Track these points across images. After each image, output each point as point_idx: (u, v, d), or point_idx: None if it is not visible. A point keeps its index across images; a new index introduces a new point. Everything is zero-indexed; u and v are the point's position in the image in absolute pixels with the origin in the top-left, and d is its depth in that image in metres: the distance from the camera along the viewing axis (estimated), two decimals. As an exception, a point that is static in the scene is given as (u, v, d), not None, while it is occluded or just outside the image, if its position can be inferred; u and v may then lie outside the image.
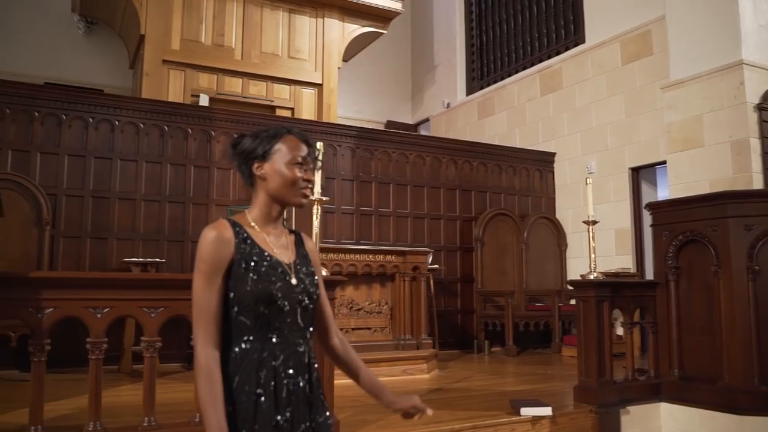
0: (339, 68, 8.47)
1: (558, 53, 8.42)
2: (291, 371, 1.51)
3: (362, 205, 7.05)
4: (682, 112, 5.93)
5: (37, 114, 5.60)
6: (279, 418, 1.47)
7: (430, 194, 7.48)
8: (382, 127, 10.12)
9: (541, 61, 8.69)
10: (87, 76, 8.42)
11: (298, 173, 1.58)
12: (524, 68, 8.97)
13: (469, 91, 10.09)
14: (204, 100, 7.30)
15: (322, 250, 5.15)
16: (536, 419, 3.51)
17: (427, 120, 10.98)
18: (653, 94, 6.77)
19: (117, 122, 5.91)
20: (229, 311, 1.50)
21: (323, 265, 4.96)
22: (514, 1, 9.39)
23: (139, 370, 2.98)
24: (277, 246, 1.60)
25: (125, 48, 8.63)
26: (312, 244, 1.75)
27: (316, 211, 3.29)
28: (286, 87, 8.11)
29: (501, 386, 4.73)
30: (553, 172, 8.27)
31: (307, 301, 1.57)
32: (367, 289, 5.47)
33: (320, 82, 8.24)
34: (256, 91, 7.90)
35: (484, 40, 9.98)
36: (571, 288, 4.63)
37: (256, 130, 1.65)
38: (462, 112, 10.03)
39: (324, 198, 3.34)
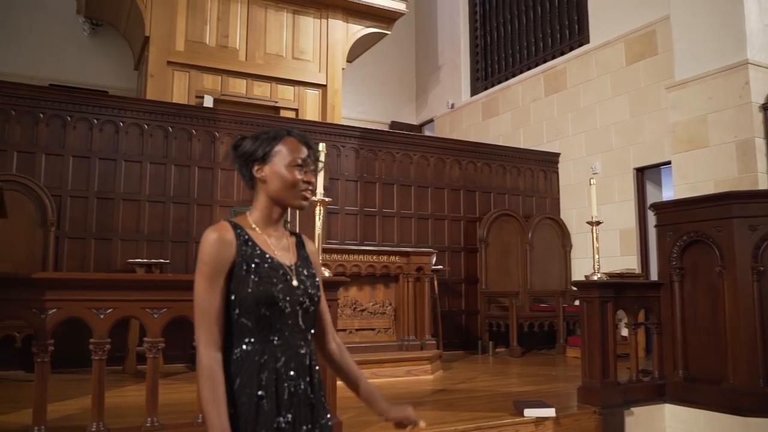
0: (343, 69, 8.48)
1: (562, 53, 8.40)
2: (292, 373, 1.51)
3: (366, 205, 7.05)
4: (686, 112, 5.91)
5: (42, 115, 5.62)
6: (280, 419, 1.47)
7: (434, 195, 7.47)
8: (386, 128, 10.12)
9: (545, 61, 8.68)
10: (92, 77, 8.46)
11: (298, 175, 1.58)
12: (528, 68, 8.96)
13: (474, 91, 10.08)
14: (208, 101, 7.32)
15: (326, 250, 5.15)
16: (540, 420, 3.51)
17: (431, 120, 10.98)
18: (658, 94, 6.75)
19: (121, 123, 5.93)
20: (231, 313, 1.50)
21: (327, 265, 4.96)
22: (519, 2, 9.38)
23: (144, 371, 2.99)
24: (278, 248, 1.60)
25: (130, 49, 8.66)
26: (313, 246, 1.75)
27: (319, 212, 3.29)
28: (290, 88, 8.12)
29: (505, 387, 4.72)
30: (557, 173, 8.25)
31: (308, 303, 1.58)
32: (371, 290, 5.47)
33: (324, 83, 8.25)
34: (261, 92, 7.92)
35: (489, 40, 9.97)
36: (575, 289, 4.61)
37: (257, 132, 1.65)
38: (466, 112, 10.02)
39: (327, 199, 3.34)
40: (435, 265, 6.29)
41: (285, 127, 1.67)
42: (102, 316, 2.69)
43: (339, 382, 3.52)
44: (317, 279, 1.66)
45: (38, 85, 6.10)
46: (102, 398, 2.71)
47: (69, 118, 5.73)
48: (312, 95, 8.23)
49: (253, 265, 1.52)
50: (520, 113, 8.90)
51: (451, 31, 10.61)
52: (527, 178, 8.13)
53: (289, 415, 1.48)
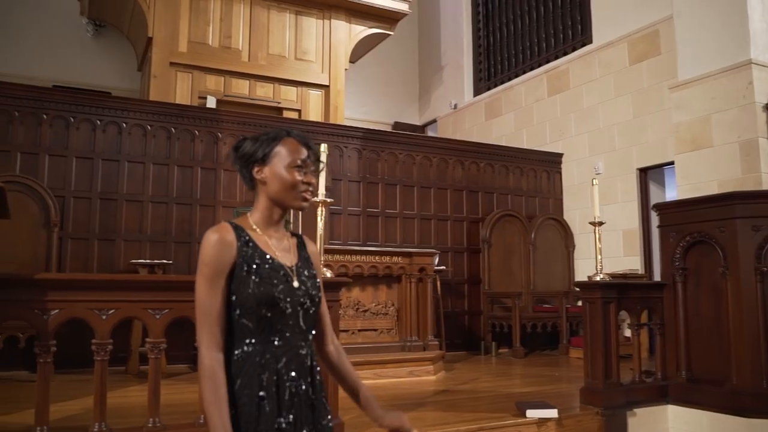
0: (346, 70, 8.48)
1: (565, 54, 8.39)
2: (293, 374, 1.51)
3: (369, 206, 7.05)
4: (690, 112, 5.89)
5: (45, 116, 5.64)
6: (281, 420, 1.47)
7: (437, 195, 7.47)
8: (389, 129, 10.12)
9: (548, 61, 8.67)
10: (96, 78, 8.48)
11: (298, 176, 1.58)
12: (531, 69, 8.95)
13: (476, 92, 10.07)
14: (211, 102, 7.33)
15: (328, 251, 5.16)
16: (542, 421, 3.50)
17: (434, 121, 10.97)
18: (661, 94, 6.74)
19: (124, 124, 5.94)
20: (232, 314, 1.51)
21: (329, 266, 4.95)
22: (521, 2, 9.37)
23: (147, 371, 2.99)
24: (279, 249, 1.61)
25: (133, 50, 8.67)
26: (314, 247, 1.75)
27: (321, 212, 3.29)
28: (293, 88, 8.13)
29: (507, 388, 4.72)
30: (560, 173, 8.24)
31: (308, 304, 1.58)
32: (374, 291, 5.47)
33: (327, 84, 8.25)
34: (263, 92, 7.93)
35: (491, 40, 9.96)
36: (578, 289, 4.61)
37: (257, 133, 1.65)
38: (469, 113, 10.01)
39: (329, 200, 3.34)
40: (438, 265, 6.28)
41: (285, 128, 1.67)
42: (104, 317, 2.70)
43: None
44: (318, 280, 1.66)
45: (41, 86, 6.11)
46: (104, 399, 2.72)
47: (72, 119, 5.74)
48: (315, 96, 8.23)
49: (253, 266, 1.52)
50: (523, 113, 8.89)
51: (454, 32, 10.60)
52: (530, 179, 8.12)
53: (290, 416, 1.48)
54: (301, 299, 1.56)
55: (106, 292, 2.74)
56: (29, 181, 5.34)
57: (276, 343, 1.50)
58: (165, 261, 5.65)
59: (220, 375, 1.46)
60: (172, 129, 6.14)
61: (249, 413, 1.45)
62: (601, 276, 4.03)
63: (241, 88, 7.78)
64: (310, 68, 8.22)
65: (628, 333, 5.68)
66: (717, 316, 3.87)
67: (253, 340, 1.49)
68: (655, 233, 6.20)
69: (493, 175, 7.89)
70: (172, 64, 7.34)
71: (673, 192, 6.49)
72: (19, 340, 4.63)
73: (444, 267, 6.93)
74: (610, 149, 7.48)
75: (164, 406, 3.07)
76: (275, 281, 1.52)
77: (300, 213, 5.88)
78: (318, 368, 1.60)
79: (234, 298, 1.50)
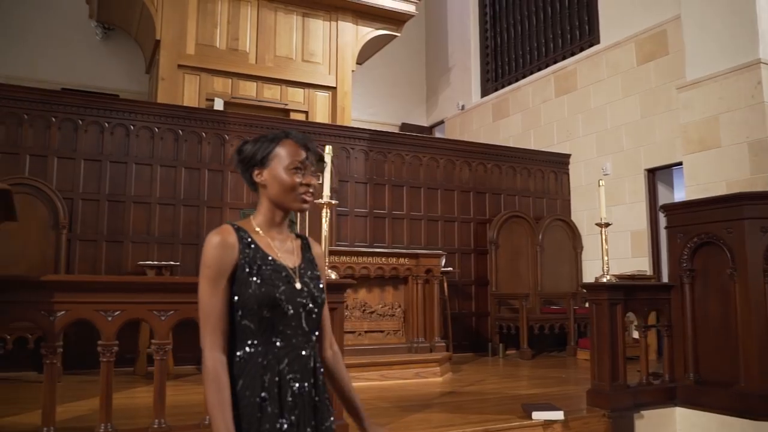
0: (353, 71, 8.49)
1: (573, 54, 8.37)
2: (295, 375, 1.51)
3: (376, 207, 7.05)
4: (698, 112, 5.85)
5: (54, 119, 5.68)
6: (283, 421, 1.47)
7: (443, 197, 7.46)
8: (396, 130, 10.13)
9: (555, 62, 8.64)
10: (104, 81, 8.54)
11: (297, 178, 1.58)
12: (539, 69, 8.93)
13: (484, 92, 10.06)
14: (219, 104, 7.36)
15: (335, 253, 5.16)
16: (548, 423, 3.48)
17: (441, 122, 10.97)
18: (669, 94, 6.70)
19: (132, 127, 5.97)
20: (234, 315, 1.51)
21: (335, 267, 4.98)
22: (529, 3, 9.35)
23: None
24: (282, 250, 1.61)
25: (141, 53, 8.73)
26: (319, 249, 1.75)
27: (326, 214, 3.30)
28: (300, 90, 8.15)
29: (514, 390, 4.70)
30: (568, 174, 8.21)
31: (311, 306, 1.58)
32: (380, 292, 5.47)
33: (334, 85, 8.27)
34: (271, 94, 7.95)
35: (499, 41, 9.95)
36: (585, 291, 4.59)
37: (258, 135, 1.66)
38: (476, 114, 10.00)
39: (333, 201, 3.35)
40: (444, 266, 6.28)
41: (284, 130, 1.67)
42: (110, 319, 2.71)
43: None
44: (322, 282, 1.65)
45: (50, 89, 6.16)
46: (110, 400, 2.73)
47: (80, 122, 5.78)
48: (322, 97, 8.25)
49: (255, 268, 1.53)
50: (530, 114, 8.87)
51: (462, 33, 10.59)
52: (538, 180, 8.09)
53: (292, 417, 1.49)
54: (304, 301, 1.56)
55: (112, 293, 2.75)
56: (38, 184, 5.38)
57: (278, 344, 1.51)
58: (172, 262, 5.67)
59: (224, 376, 1.46)
60: (180, 131, 6.17)
61: (251, 414, 1.45)
62: (608, 277, 4.01)
63: (249, 90, 7.81)
64: (317, 70, 8.24)
65: (636, 335, 5.65)
66: (725, 318, 3.84)
67: (255, 342, 1.50)
68: (663, 234, 6.18)
69: (500, 176, 7.88)
70: (179, 66, 7.38)
71: (681, 193, 6.45)
72: (28, 341, 4.66)
73: (451, 268, 6.93)
74: (617, 150, 7.44)
75: (170, 407, 3.08)
76: (277, 282, 1.53)
77: (306, 214, 5.91)
78: (321, 369, 1.60)
79: (236, 299, 1.51)
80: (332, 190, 6.43)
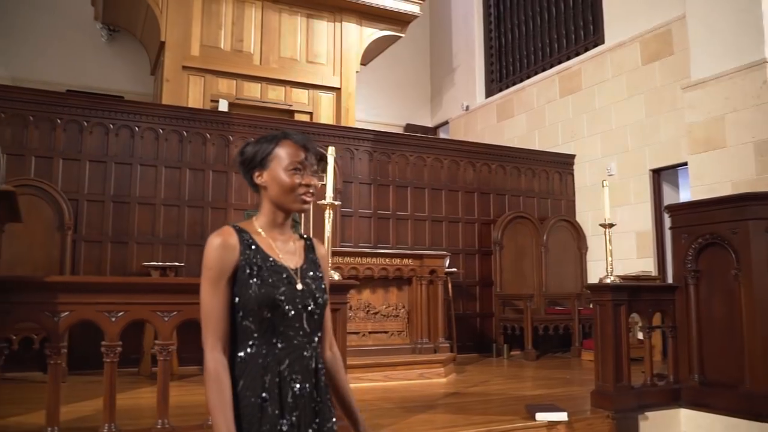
0: (357, 72, 8.50)
1: (577, 54, 8.35)
2: (297, 376, 1.51)
3: (380, 208, 7.05)
4: (703, 112, 5.83)
5: (59, 121, 5.71)
6: (284, 422, 1.47)
7: (448, 197, 7.45)
8: (401, 131, 10.13)
9: (560, 62, 8.63)
10: (110, 83, 8.57)
11: (296, 179, 1.58)
12: (543, 70, 8.92)
13: (488, 93, 10.05)
14: (223, 106, 7.38)
15: (338, 253, 5.17)
16: (552, 424, 3.48)
17: (446, 123, 10.96)
18: (674, 94, 6.68)
19: (137, 128, 6.00)
20: (235, 316, 1.52)
21: (339, 268, 4.98)
22: (533, 3, 9.34)
23: (157, 373, 3.03)
24: (284, 251, 1.61)
25: (146, 55, 8.76)
26: (323, 250, 1.74)
27: (329, 215, 3.30)
28: (305, 91, 8.16)
29: (518, 390, 4.70)
30: (572, 175, 8.20)
31: (313, 307, 1.57)
32: (384, 293, 5.47)
33: (338, 86, 8.28)
34: (275, 95, 7.96)
35: (503, 42, 9.94)
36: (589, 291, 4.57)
37: (259, 137, 1.66)
38: (481, 114, 9.99)
39: (336, 203, 3.35)
40: (449, 267, 6.28)
41: (284, 130, 1.67)
42: (113, 319, 2.72)
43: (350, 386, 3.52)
44: (324, 283, 1.65)
45: (56, 91, 6.19)
46: (113, 400, 2.74)
47: (86, 124, 5.81)
48: (326, 98, 8.26)
49: (255, 269, 1.53)
50: (534, 115, 8.86)
51: (466, 33, 10.59)
52: (542, 180, 8.08)
53: (293, 418, 1.48)
54: (305, 302, 1.56)
55: (115, 294, 2.76)
56: (43, 185, 5.41)
57: (279, 345, 1.51)
58: (177, 263, 5.69)
59: (225, 377, 1.47)
60: (184, 132, 6.19)
61: (251, 415, 1.46)
62: (612, 278, 4.00)
63: (253, 91, 7.82)
64: (321, 71, 8.25)
65: (641, 335, 5.63)
66: (730, 319, 3.82)
67: (256, 342, 1.50)
68: (669, 235, 6.15)
69: (504, 177, 7.87)
70: (184, 67, 7.40)
71: (687, 193, 6.43)
72: (33, 341, 4.68)
73: (455, 269, 6.92)
74: (622, 150, 7.42)
75: (174, 408, 3.09)
76: (277, 284, 1.53)
77: (310, 215, 5.92)
78: (323, 370, 1.60)
79: (237, 300, 1.52)
80: (336, 190, 6.45)
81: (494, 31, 10.13)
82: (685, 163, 6.24)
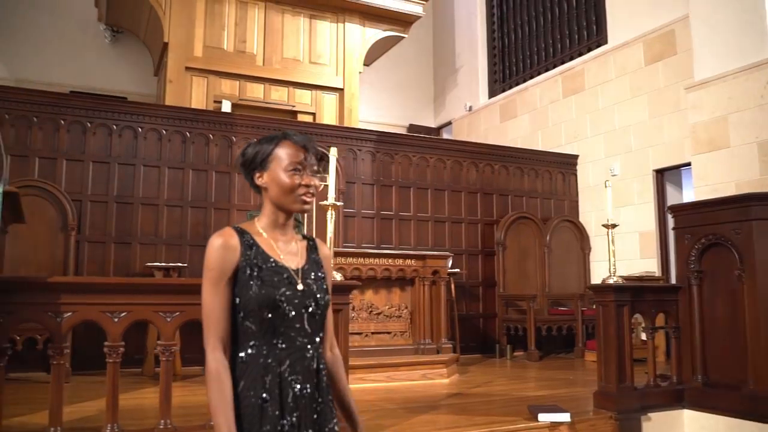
0: (360, 73, 8.50)
1: (580, 54, 8.34)
2: (297, 377, 1.51)
3: (383, 209, 7.05)
4: (707, 112, 5.82)
5: (62, 122, 5.73)
6: (284, 422, 1.47)
7: (451, 198, 7.45)
8: (404, 131, 10.13)
9: (563, 62, 8.62)
10: (113, 83, 8.60)
11: (296, 179, 1.57)
12: (546, 70, 8.91)
13: (491, 93, 10.04)
14: (226, 106, 7.39)
15: (341, 254, 5.17)
16: (554, 425, 3.47)
17: (449, 123, 10.96)
18: (677, 94, 6.67)
19: (140, 129, 6.01)
20: (237, 317, 1.52)
21: (342, 268, 4.99)
22: (536, 3, 9.33)
23: (160, 374, 3.03)
24: (285, 252, 1.61)
25: (150, 56, 8.78)
26: (326, 250, 1.74)
27: (331, 216, 3.30)
28: (308, 92, 8.16)
29: (521, 391, 4.69)
30: (576, 175, 8.18)
31: (314, 307, 1.57)
32: (387, 293, 5.47)
33: (341, 87, 8.28)
34: (278, 96, 7.97)
35: (506, 42, 9.93)
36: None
37: (260, 138, 1.66)
38: (484, 114, 9.99)
39: (338, 203, 3.35)
40: (452, 268, 6.27)
41: (284, 131, 1.67)
42: (116, 320, 2.73)
43: (353, 387, 3.52)
44: (326, 283, 1.65)
45: (59, 92, 6.21)
46: (116, 400, 2.75)
47: (89, 124, 5.83)
48: (329, 99, 8.26)
49: (256, 269, 1.53)
50: (538, 115, 8.85)
51: (469, 33, 10.58)
52: (545, 181, 8.07)
53: (294, 418, 1.48)
54: (306, 302, 1.55)
55: (118, 295, 2.77)
56: (47, 186, 5.43)
57: (280, 345, 1.51)
58: (180, 264, 5.71)
59: (226, 377, 1.47)
60: (187, 133, 6.20)
61: (252, 415, 1.46)
62: (615, 279, 3.99)
63: (256, 92, 7.83)
64: (324, 72, 8.25)
65: (644, 336, 5.61)
66: (733, 319, 3.81)
67: (257, 343, 1.50)
68: (672, 235, 6.14)
69: (507, 178, 7.86)
70: (187, 68, 7.42)
71: (690, 193, 6.41)
72: (37, 341, 4.70)
73: (458, 269, 6.92)
74: (626, 150, 7.41)
75: (177, 408, 3.10)
76: (278, 284, 1.53)
77: (313, 216, 5.91)
78: (325, 371, 1.60)
79: (237, 300, 1.52)
80: (339, 191, 6.46)
81: (497, 31, 10.13)
82: (689, 164, 6.23)
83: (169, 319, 2.82)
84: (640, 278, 6.36)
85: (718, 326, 3.90)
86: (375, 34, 8.61)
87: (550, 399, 4.21)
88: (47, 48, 8.34)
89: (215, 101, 7.49)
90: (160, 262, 5.71)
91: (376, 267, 5.30)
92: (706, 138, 5.82)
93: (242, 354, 1.51)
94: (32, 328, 4.53)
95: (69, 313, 2.67)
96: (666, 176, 7.09)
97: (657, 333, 4.34)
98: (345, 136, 6.98)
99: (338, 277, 3.34)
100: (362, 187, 6.97)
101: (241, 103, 7.64)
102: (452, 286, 6.59)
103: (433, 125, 11.30)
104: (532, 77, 9.17)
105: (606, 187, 4.33)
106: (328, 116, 8.16)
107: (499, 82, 9.99)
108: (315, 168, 1.62)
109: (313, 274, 1.62)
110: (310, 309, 1.56)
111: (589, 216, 7.90)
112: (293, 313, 1.53)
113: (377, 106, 10.44)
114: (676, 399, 3.96)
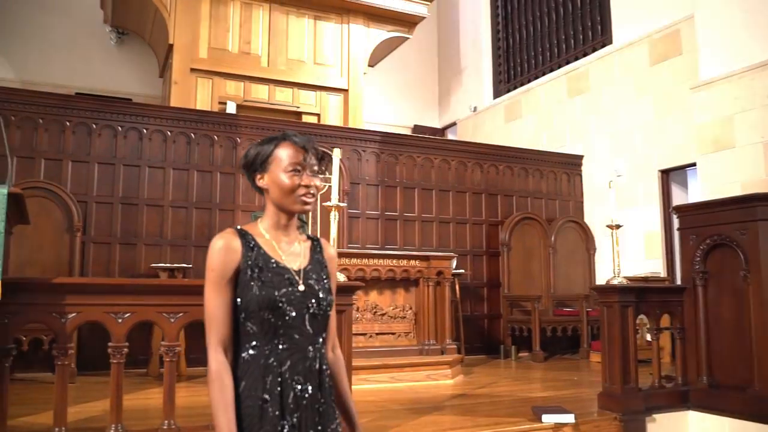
0: (365, 73, 8.51)
1: (585, 55, 8.33)
2: (298, 377, 1.51)
3: (387, 209, 7.05)
4: (712, 112, 5.80)
5: (68, 123, 5.75)
6: (284, 423, 1.47)
7: (455, 199, 7.44)
8: (409, 132, 10.13)
9: (568, 63, 8.61)
10: (119, 85, 8.63)
11: (296, 180, 1.57)
12: (551, 70, 8.89)
13: (496, 94, 10.03)
14: (231, 108, 7.41)
15: (345, 255, 5.18)
16: (558, 426, 3.46)
17: (454, 124, 10.95)
18: (682, 94, 6.64)
19: (145, 130, 6.03)
20: (238, 318, 1.53)
21: (346, 269, 4.99)
22: (541, 3, 9.32)
23: (166, 374, 3.04)
24: (288, 253, 1.61)
25: (155, 57, 8.81)
26: (331, 251, 1.73)
27: (334, 217, 3.31)
28: (312, 93, 8.18)
29: (525, 392, 4.68)
30: (581, 175, 8.16)
31: (316, 308, 1.57)
32: (391, 294, 5.47)
33: (346, 88, 8.29)
34: (283, 97, 7.99)
35: (511, 42, 9.92)
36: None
37: (261, 140, 1.67)
38: (489, 115, 9.98)
39: (341, 204, 3.35)
40: (456, 268, 6.27)
41: (284, 132, 1.67)
42: (120, 321, 2.74)
43: (357, 387, 3.52)
44: (329, 284, 1.65)
45: (65, 94, 6.24)
46: (120, 401, 2.76)
47: (94, 126, 5.85)
48: (334, 100, 8.28)
49: (256, 270, 1.53)
50: (542, 115, 8.83)
51: (474, 34, 10.58)
52: (550, 181, 8.05)
53: (294, 419, 1.48)
54: (307, 303, 1.55)
55: (122, 296, 2.78)
56: (53, 187, 5.45)
57: (281, 346, 1.51)
58: (185, 265, 5.72)
59: (227, 378, 1.48)
60: (192, 134, 6.22)
61: (252, 416, 1.46)
62: (619, 279, 3.98)
63: (261, 93, 7.85)
64: (329, 73, 8.27)
65: (650, 337, 5.59)
66: (739, 320, 3.79)
67: (258, 343, 1.51)
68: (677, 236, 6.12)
69: (512, 178, 7.84)
70: (192, 70, 7.45)
71: (696, 194, 6.39)
72: (43, 342, 4.72)
73: (463, 270, 6.91)
74: (631, 151, 7.39)
75: (182, 408, 3.11)
76: (278, 285, 1.53)
77: (318, 216, 5.93)
78: (328, 372, 1.60)
79: (239, 302, 1.53)
80: (343, 192, 6.46)
81: (502, 31, 10.12)
82: (694, 164, 6.21)
83: (172, 320, 2.82)
84: (645, 279, 6.34)
85: (723, 327, 3.88)
86: (379, 34, 8.62)
87: (555, 400, 4.20)
88: (53, 50, 8.39)
89: (220, 102, 7.51)
90: (165, 263, 5.73)
91: (380, 268, 5.30)
92: (711, 138, 5.80)
93: (244, 354, 1.51)
94: (38, 328, 4.55)
95: (73, 314, 2.68)
96: (671, 176, 7.07)
97: (662, 334, 4.33)
98: (349, 137, 6.99)
99: (342, 278, 3.34)
100: (367, 188, 6.98)
101: (246, 104, 7.66)
102: (457, 287, 6.59)
103: (437, 126, 11.29)
104: (536, 78, 9.15)
105: (610, 187, 4.32)
106: (333, 117, 8.18)
107: (503, 83, 9.97)
108: (315, 168, 1.61)
109: (315, 274, 1.62)
110: (312, 310, 1.56)
111: (595, 216, 7.87)
112: (294, 313, 1.53)
113: (382, 107, 10.44)
114: (681, 400, 3.95)
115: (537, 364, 6.45)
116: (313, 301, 1.57)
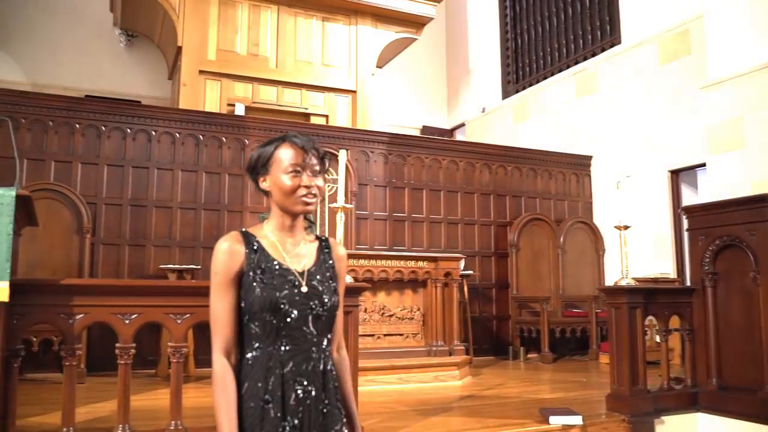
0: (373, 75, 8.51)
1: (594, 55, 8.29)
2: (301, 379, 1.51)
3: (395, 211, 7.05)
4: (722, 112, 5.75)
5: (78, 126, 5.80)
6: (285, 424, 1.47)
7: (463, 200, 7.43)
8: (417, 133, 10.13)
9: (576, 63, 8.57)
10: (128, 87, 8.69)
11: (296, 181, 1.57)
12: (560, 71, 8.86)
13: (505, 94, 10.00)
14: (240, 109, 7.44)
15: (353, 256, 5.18)
16: (566, 428, 3.45)
17: (462, 125, 10.93)
18: (692, 94, 6.58)
19: (154, 132, 6.07)
20: (242, 319, 1.54)
21: (354, 270, 4.99)
22: (549, 3, 9.29)
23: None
24: (292, 254, 1.61)
25: (164, 59, 8.86)
26: (341, 252, 1.72)
27: (341, 218, 3.31)
28: (320, 94, 8.19)
29: (534, 394, 4.66)
30: (589, 176, 8.12)
31: (319, 309, 1.56)
32: (399, 295, 5.47)
33: (354, 89, 8.30)
34: (291, 99, 8.01)
35: (519, 43, 9.89)
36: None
37: (264, 142, 1.67)
38: (497, 116, 9.95)
39: (348, 206, 3.36)
40: (465, 270, 6.26)
41: (285, 133, 1.66)
42: (127, 322, 2.76)
43: (364, 389, 3.52)
44: (335, 285, 1.64)
45: (74, 97, 6.29)
46: (128, 401, 2.78)
47: (104, 128, 5.89)
48: (342, 101, 8.28)
49: (259, 272, 1.54)
50: (551, 116, 8.80)
51: (482, 35, 10.56)
52: (559, 182, 8.02)
53: (296, 421, 1.48)
54: (310, 304, 1.55)
55: (129, 297, 2.80)
56: (63, 189, 5.49)
57: (284, 347, 1.51)
58: (193, 266, 5.74)
59: (230, 379, 1.49)
60: (200, 136, 6.25)
61: (253, 416, 1.47)
62: (628, 280, 3.95)
63: (269, 94, 7.87)
64: (337, 74, 8.27)
65: (659, 338, 5.55)
66: (749, 322, 3.76)
67: (261, 345, 1.52)
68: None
69: (520, 179, 7.82)
70: (201, 72, 7.48)
71: (706, 194, 6.34)
72: (53, 343, 4.75)
73: (471, 271, 6.90)
74: (640, 151, 7.34)
75: (190, 409, 3.12)
76: (280, 287, 1.53)
77: (326, 217, 5.95)
78: (334, 373, 1.60)
79: (243, 304, 1.53)
80: (351, 193, 6.47)
81: (510, 32, 10.09)
82: (704, 164, 6.16)
83: (179, 321, 2.84)
84: (654, 280, 6.30)
85: (733, 329, 3.85)
86: (387, 35, 8.62)
87: (563, 401, 4.18)
88: (63, 52, 8.45)
89: (229, 104, 7.54)
90: (174, 264, 5.76)
91: (388, 269, 5.29)
92: (721, 138, 5.75)
93: (248, 356, 1.52)
94: (48, 329, 4.59)
95: (81, 315, 2.70)
96: (681, 177, 7.02)
97: (672, 335, 4.30)
98: (357, 138, 6.99)
99: (348, 279, 3.34)
100: (375, 189, 6.98)
101: (254, 105, 7.68)
102: (465, 288, 6.58)
103: (446, 127, 11.28)
104: (545, 78, 9.12)
105: (618, 187, 4.30)
106: (341, 118, 8.18)
107: (512, 83, 9.95)
108: (316, 168, 1.61)
109: (320, 276, 1.61)
110: (315, 311, 1.56)
111: (604, 217, 7.82)
112: (296, 315, 1.53)
113: (390, 108, 10.44)
114: (690, 402, 3.92)
115: (545, 365, 6.42)
116: (317, 302, 1.57)
